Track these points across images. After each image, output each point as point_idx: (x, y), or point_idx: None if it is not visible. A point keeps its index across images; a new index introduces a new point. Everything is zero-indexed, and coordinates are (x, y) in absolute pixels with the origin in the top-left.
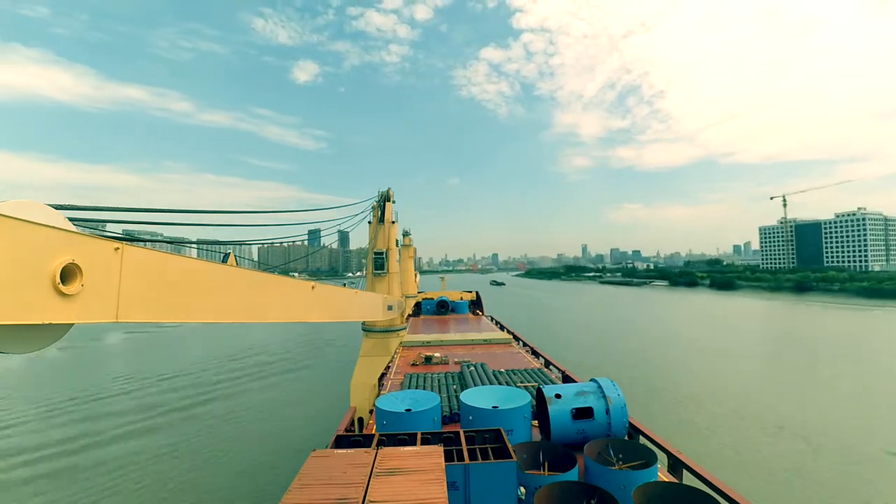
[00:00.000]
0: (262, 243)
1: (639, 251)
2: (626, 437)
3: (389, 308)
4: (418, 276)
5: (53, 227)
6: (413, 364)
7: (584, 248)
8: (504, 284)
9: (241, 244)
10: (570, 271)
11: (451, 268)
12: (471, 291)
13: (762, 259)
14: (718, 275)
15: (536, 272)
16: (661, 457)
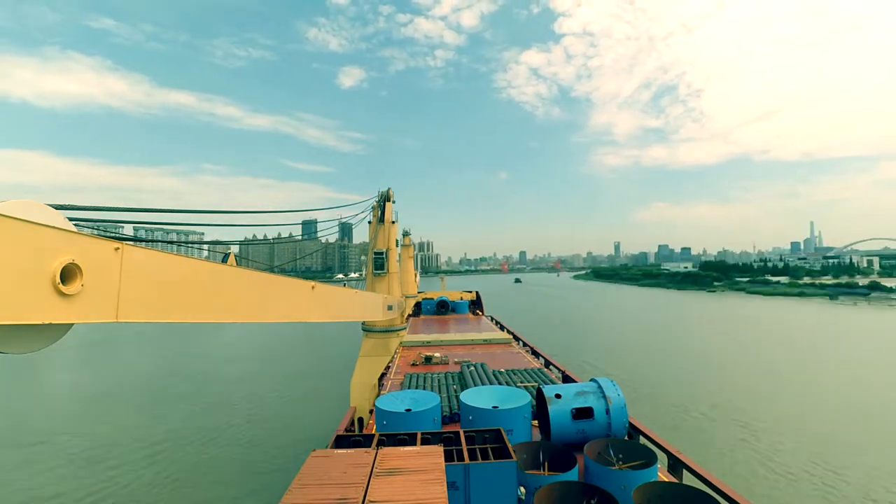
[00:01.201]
0: (262, 243)
1: (688, 248)
2: (626, 437)
3: (389, 308)
4: (418, 275)
5: (53, 227)
6: (413, 364)
7: (617, 247)
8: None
9: (240, 244)
10: (710, 270)
11: (472, 267)
12: (471, 291)
13: None
14: None
15: (606, 272)
16: (661, 457)
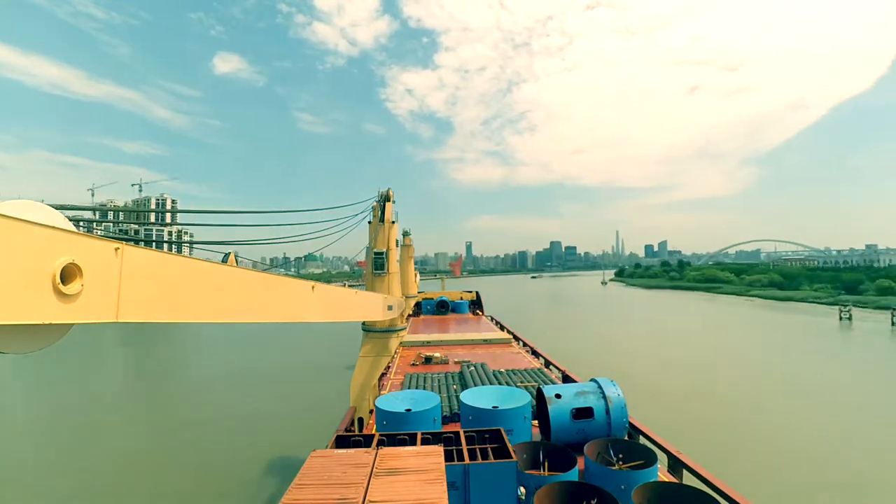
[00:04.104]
0: (262, 243)
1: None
2: (626, 437)
3: (389, 308)
4: (418, 276)
5: (53, 228)
6: (413, 364)
7: (469, 246)
8: None
9: (241, 244)
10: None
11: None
12: (470, 291)
13: None
14: None
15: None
16: (661, 457)
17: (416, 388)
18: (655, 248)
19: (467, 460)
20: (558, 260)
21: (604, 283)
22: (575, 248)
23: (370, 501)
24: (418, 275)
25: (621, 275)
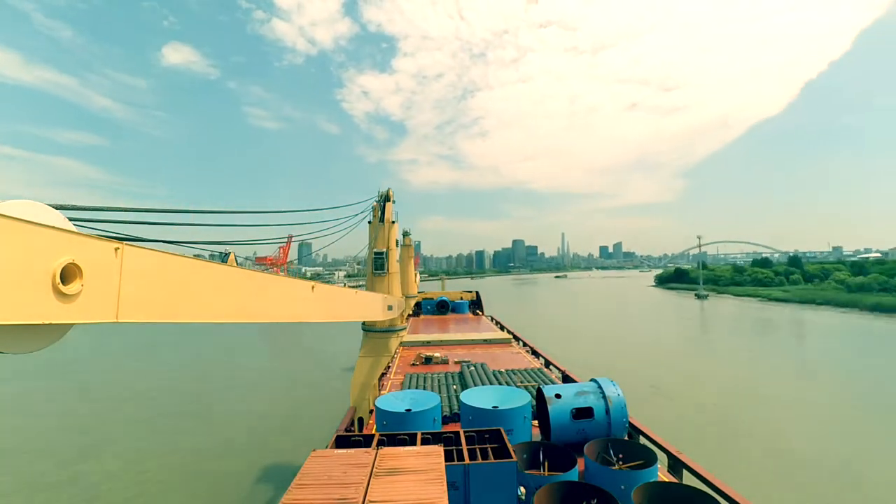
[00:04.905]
0: (262, 243)
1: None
2: (626, 437)
3: (389, 308)
4: (418, 275)
5: (53, 228)
6: (413, 364)
7: (418, 244)
8: None
9: (241, 244)
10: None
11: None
12: (471, 292)
13: None
14: None
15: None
16: (661, 457)
17: (416, 388)
18: (611, 250)
19: (467, 460)
20: (522, 261)
21: (701, 296)
22: (536, 247)
23: (370, 501)
24: (418, 275)
25: (674, 280)
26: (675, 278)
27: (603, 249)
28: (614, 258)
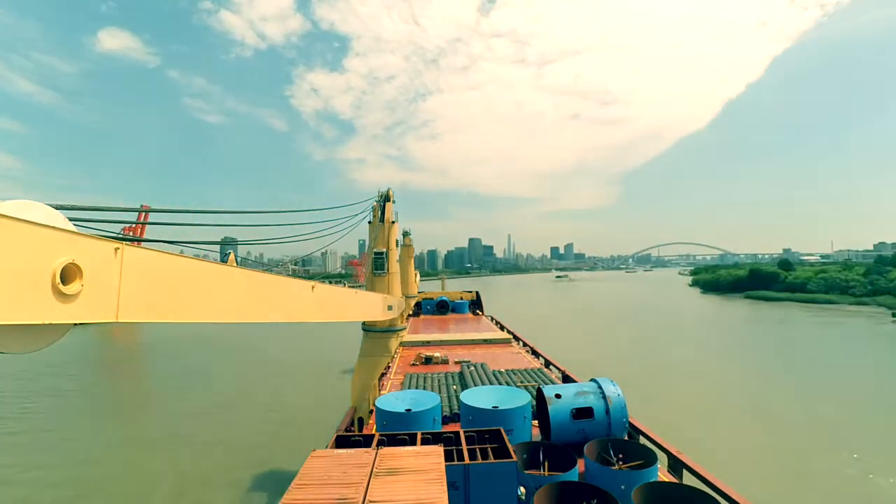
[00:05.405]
0: (262, 243)
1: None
2: (626, 437)
3: (389, 308)
4: (418, 275)
5: (53, 228)
6: (413, 364)
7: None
8: None
9: (241, 244)
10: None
11: None
12: (471, 291)
13: None
14: None
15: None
16: (661, 457)
17: (416, 388)
18: (562, 251)
19: (467, 460)
20: (479, 261)
21: None
22: (492, 247)
23: (370, 501)
24: (418, 274)
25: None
26: (744, 285)
27: (554, 250)
28: (566, 259)
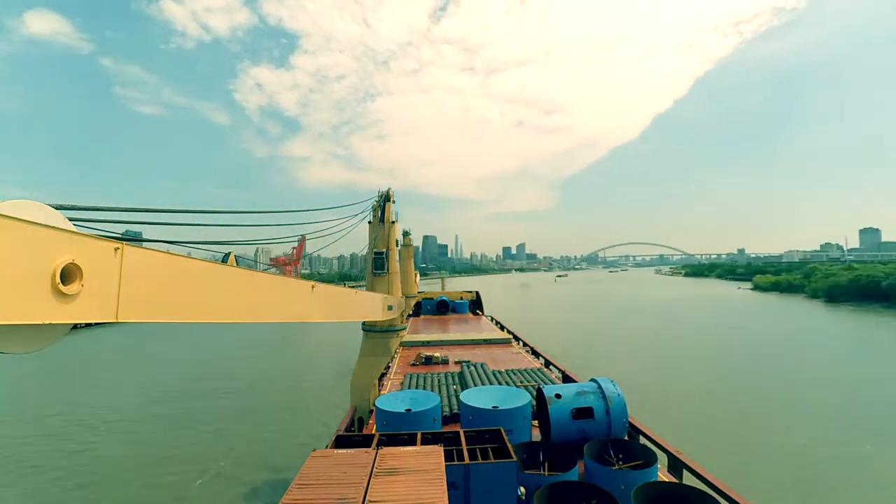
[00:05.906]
0: (262, 243)
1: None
2: (626, 437)
3: (389, 308)
4: (418, 275)
5: (53, 228)
6: (413, 364)
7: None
8: None
9: (241, 244)
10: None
11: None
12: (471, 291)
13: None
14: None
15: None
16: (661, 457)
17: (416, 388)
18: (514, 251)
19: (467, 460)
20: (434, 261)
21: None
22: (447, 246)
23: (370, 501)
24: (418, 274)
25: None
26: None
27: (506, 251)
28: (519, 259)
